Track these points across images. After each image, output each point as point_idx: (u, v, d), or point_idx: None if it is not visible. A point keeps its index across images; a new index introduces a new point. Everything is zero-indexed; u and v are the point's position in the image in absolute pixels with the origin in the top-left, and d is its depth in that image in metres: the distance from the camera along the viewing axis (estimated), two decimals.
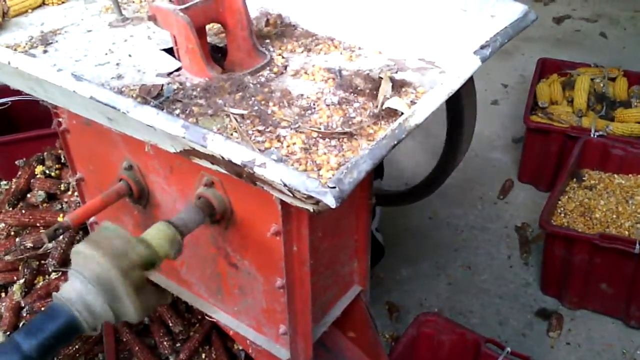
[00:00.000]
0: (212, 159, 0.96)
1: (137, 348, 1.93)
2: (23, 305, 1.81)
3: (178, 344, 1.98)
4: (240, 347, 1.98)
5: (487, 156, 3.25)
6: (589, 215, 2.45)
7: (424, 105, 1.03)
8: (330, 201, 0.81)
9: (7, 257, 1.88)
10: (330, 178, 0.88)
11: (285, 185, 0.83)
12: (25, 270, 1.84)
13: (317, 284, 1.38)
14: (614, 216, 2.43)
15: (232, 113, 1.13)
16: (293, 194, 0.85)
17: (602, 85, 3.04)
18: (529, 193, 3.05)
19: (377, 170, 1.96)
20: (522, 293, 2.53)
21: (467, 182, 3.15)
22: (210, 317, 1.50)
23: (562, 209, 2.49)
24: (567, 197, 2.56)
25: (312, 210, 0.88)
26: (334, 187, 0.81)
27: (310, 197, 0.82)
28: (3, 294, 1.88)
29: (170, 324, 1.94)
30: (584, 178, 2.65)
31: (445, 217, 2.92)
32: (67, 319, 1.01)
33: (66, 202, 2.01)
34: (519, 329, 2.37)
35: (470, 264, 2.67)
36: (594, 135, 2.72)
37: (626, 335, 2.31)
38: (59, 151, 2.15)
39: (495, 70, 3.88)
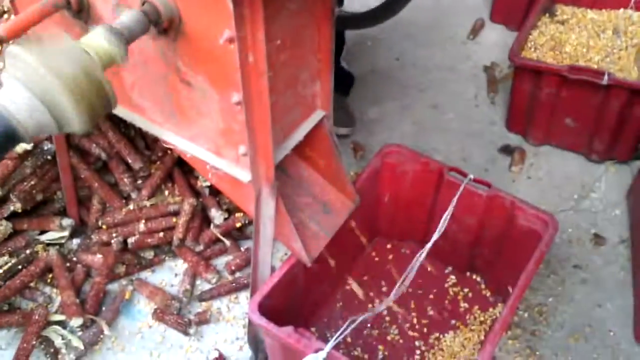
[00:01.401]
0: None
1: (96, 184, 1.90)
2: None
3: (139, 182, 1.95)
4: (204, 184, 1.96)
5: None
6: (559, 50, 2.39)
7: None
8: None
9: None
10: None
11: None
12: None
13: (277, 103, 1.31)
14: (584, 50, 2.38)
15: None
16: None
17: None
18: (500, 33, 2.95)
19: None
20: (487, 131, 2.52)
21: (436, 22, 3.03)
22: (166, 143, 1.44)
23: (532, 43, 2.42)
24: (538, 31, 2.48)
25: None
26: None
27: None
28: None
29: (130, 161, 1.89)
30: (556, 13, 2.56)
31: (413, 58, 2.84)
32: (4, 127, 0.94)
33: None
34: (482, 164, 2.39)
35: (436, 103, 2.63)
36: None
37: (587, 169, 2.35)
38: None
39: None
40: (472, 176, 1.76)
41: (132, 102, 1.44)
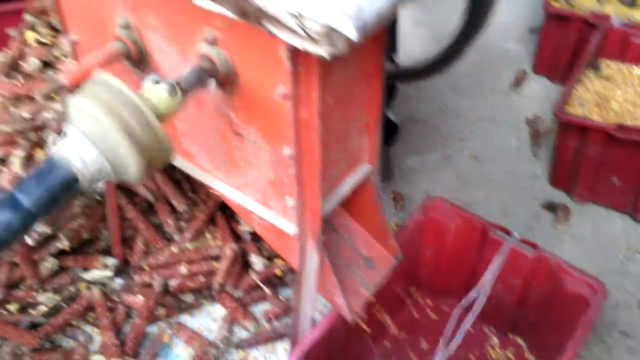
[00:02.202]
0: None
1: (142, 226, 1.92)
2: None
3: (183, 224, 1.97)
4: (246, 228, 1.97)
5: (501, 46, 3.12)
6: (604, 106, 2.36)
7: None
8: (350, 31, 0.73)
9: (4, 127, 1.81)
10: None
11: (298, 15, 0.74)
12: (24, 142, 1.79)
13: (326, 157, 1.32)
14: (631, 107, 2.35)
15: None
16: (305, 30, 0.76)
17: None
18: (543, 85, 2.94)
19: (390, 43, 1.86)
20: (530, 185, 2.49)
21: (479, 72, 3.04)
22: (214, 190, 1.46)
23: (577, 98, 2.40)
24: (583, 86, 2.46)
25: (326, 55, 0.80)
26: (355, 16, 0.72)
27: (327, 32, 0.73)
28: (2, 167, 1.84)
29: (175, 203, 1.92)
30: (601, 68, 2.55)
31: (455, 109, 2.84)
32: (66, 174, 0.97)
33: (62, 70, 1.93)
34: (525, 220, 2.35)
35: (478, 155, 2.62)
36: (615, 23, 2.58)
37: (633, 230, 2.29)
38: (53, 18, 2.03)
39: None
40: (517, 235, 1.74)
41: (182, 148, 1.47)
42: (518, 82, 2.94)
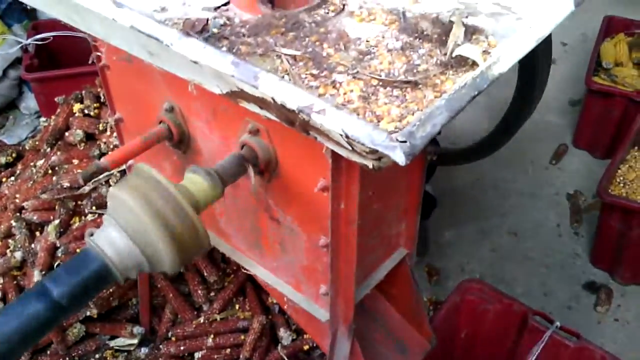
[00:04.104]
0: (262, 102, 0.86)
1: (171, 295, 1.91)
2: (58, 245, 1.78)
3: (212, 294, 1.95)
4: (274, 301, 1.94)
5: (542, 119, 3.07)
6: None
7: (508, 51, 0.90)
8: (399, 158, 0.70)
9: (44, 196, 1.84)
10: (394, 131, 0.77)
11: (346, 136, 0.73)
12: (61, 210, 1.81)
13: (363, 245, 1.29)
14: None
15: (283, 54, 1.03)
16: (353, 147, 0.74)
17: None
18: (584, 160, 2.88)
19: None
20: (570, 264, 2.41)
21: (518, 144, 2.96)
22: (248, 271, 1.44)
23: (621, 178, 2.34)
24: (627, 166, 2.40)
25: (371, 167, 0.77)
26: (405, 142, 0.70)
27: (374, 152, 0.71)
28: (38, 233, 1.85)
29: (206, 274, 1.90)
30: None
31: (493, 180, 2.79)
32: (98, 267, 0.95)
33: (104, 143, 1.96)
34: (565, 301, 2.26)
35: (516, 230, 2.55)
36: None
37: None
38: (99, 90, 2.08)
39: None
40: (558, 324, 1.66)
41: (218, 228, 1.46)
42: (558, 156, 2.88)
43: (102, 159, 1.16)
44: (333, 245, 1.18)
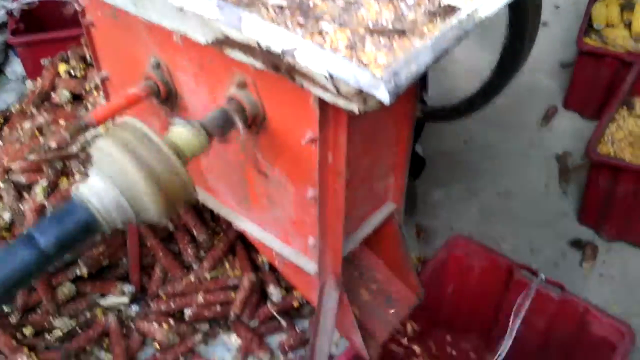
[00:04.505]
0: (247, 49, 0.85)
1: (160, 253, 1.91)
2: (46, 206, 1.78)
3: (202, 252, 1.96)
4: (265, 259, 1.95)
5: (532, 80, 3.07)
6: (637, 145, 2.31)
7: None
8: (383, 96, 0.70)
9: (31, 157, 1.83)
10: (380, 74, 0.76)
11: (331, 77, 0.72)
12: (49, 171, 1.80)
13: (351, 198, 1.29)
14: None
15: (270, 4, 1.01)
16: (338, 90, 0.74)
17: None
18: (573, 121, 2.89)
19: (421, 82, 1.83)
20: (558, 222, 2.43)
21: (508, 106, 2.98)
22: (236, 226, 1.45)
23: (609, 137, 2.35)
24: (615, 125, 2.41)
25: (357, 111, 0.77)
26: (389, 81, 0.70)
27: (359, 93, 0.71)
28: (27, 195, 1.85)
29: (195, 232, 1.90)
30: (636, 107, 2.49)
31: (482, 142, 2.80)
32: (85, 216, 0.95)
33: (91, 103, 1.94)
34: (552, 258, 2.30)
35: (505, 190, 2.57)
36: None
37: None
38: (85, 50, 2.06)
39: None
40: (543, 276, 1.69)
41: (207, 184, 1.46)
42: (548, 117, 2.89)
43: (88, 115, 1.15)
44: (321, 197, 1.18)
